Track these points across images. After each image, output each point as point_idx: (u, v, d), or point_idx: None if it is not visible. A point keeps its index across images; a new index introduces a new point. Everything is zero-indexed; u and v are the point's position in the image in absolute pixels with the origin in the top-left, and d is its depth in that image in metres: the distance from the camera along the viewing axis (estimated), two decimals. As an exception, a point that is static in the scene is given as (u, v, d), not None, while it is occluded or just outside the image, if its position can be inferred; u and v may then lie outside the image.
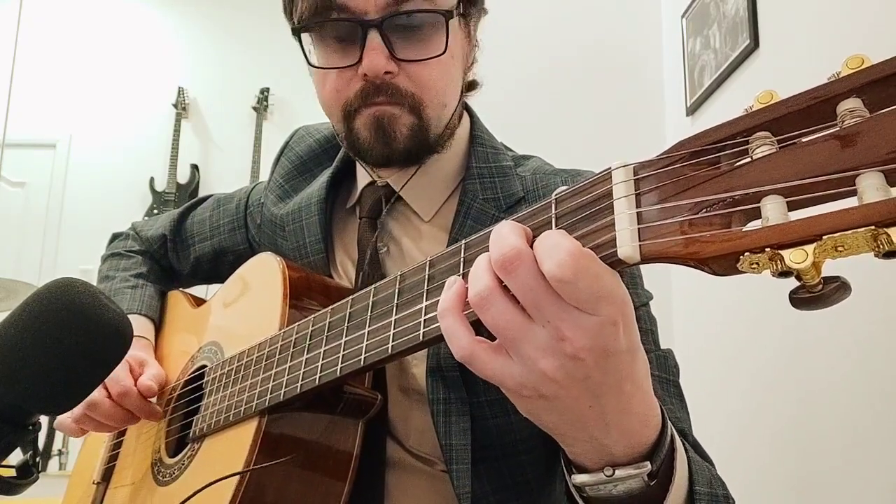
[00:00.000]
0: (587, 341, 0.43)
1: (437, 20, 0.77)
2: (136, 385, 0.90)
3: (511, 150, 0.94)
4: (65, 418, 0.93)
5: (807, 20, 1.52)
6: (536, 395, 0.46)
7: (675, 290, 2.20)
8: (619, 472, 0.48)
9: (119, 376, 0.89)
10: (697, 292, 2.07)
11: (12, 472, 0.68)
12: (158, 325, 1.10)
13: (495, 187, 0.84)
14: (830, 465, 1.38)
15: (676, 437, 0.53)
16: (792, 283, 0.37)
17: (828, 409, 1.40)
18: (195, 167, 4.41)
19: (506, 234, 0.46)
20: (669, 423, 0.52)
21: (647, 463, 0.48)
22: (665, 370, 0.77)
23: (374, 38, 0.75)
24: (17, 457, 0.67)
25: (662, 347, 0.79)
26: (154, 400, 0.93)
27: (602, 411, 0.46)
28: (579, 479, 0.50)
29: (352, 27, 0.76)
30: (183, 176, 4.36)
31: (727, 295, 1.87)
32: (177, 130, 4.37)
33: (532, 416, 0.49)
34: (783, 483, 1.55)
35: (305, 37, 0.80)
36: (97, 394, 0.88)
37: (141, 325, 1.04)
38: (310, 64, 0.81)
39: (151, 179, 4.33)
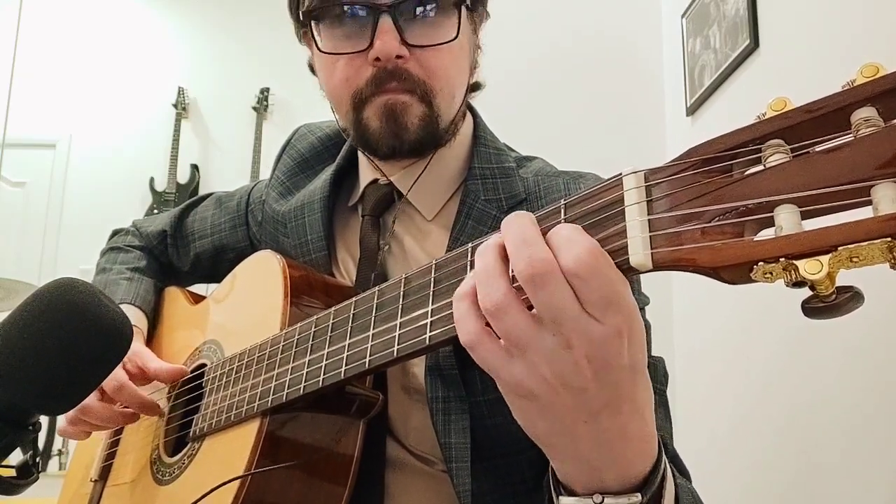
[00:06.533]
0: (590, 350, 0.43)
1: (448, 6, 0.78)
2: (141, 375, 0.90)
3: (514, 151, 0.94)
4: (64, 426, 0.92)
5: (807, 20, 1.52)
6: (529, 395, 0.45)
7: (676, 289, 2.20)
8: (608, 501, 0.47)
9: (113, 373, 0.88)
10: (698, 292, 2.07)
11: (12, 472, 0.68)
12: (154, 321, 1.10)
13: (497, 188, 0.84)
14: (829, 464, 1.38)
15: (668, 467, 0.52)
16: (803, 291, 0.37)
17: (827, 409, 1.40)
18: (195, 167, 4.40)
19: (532, 240, 0.44)
20: (664, 455, 0.51)
21: (638, 494, 0.47)
22: (653, 378, 0.76)
23: (385, 21, 0.75)
24: (17, 457, 0.67)
25: (654, 354, 0.79)
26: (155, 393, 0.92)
27: (597, 429, 0.45)
28: (566, 501, 0.49)
29: (363, 12, 0.76)
30: (183, 176, 4.36)
31: (728, 295, 1.87)
32: (177, 130, 4.37)
33: (524, 422, 0.49)
34: (782, 483, 1.55)
35: (314, 25, 0.80)
36: (89, 397, 0.87)
37: (132, 316, 1.03)
38: (320, 50, 0.80)
39: (151, 179, 4.33)
